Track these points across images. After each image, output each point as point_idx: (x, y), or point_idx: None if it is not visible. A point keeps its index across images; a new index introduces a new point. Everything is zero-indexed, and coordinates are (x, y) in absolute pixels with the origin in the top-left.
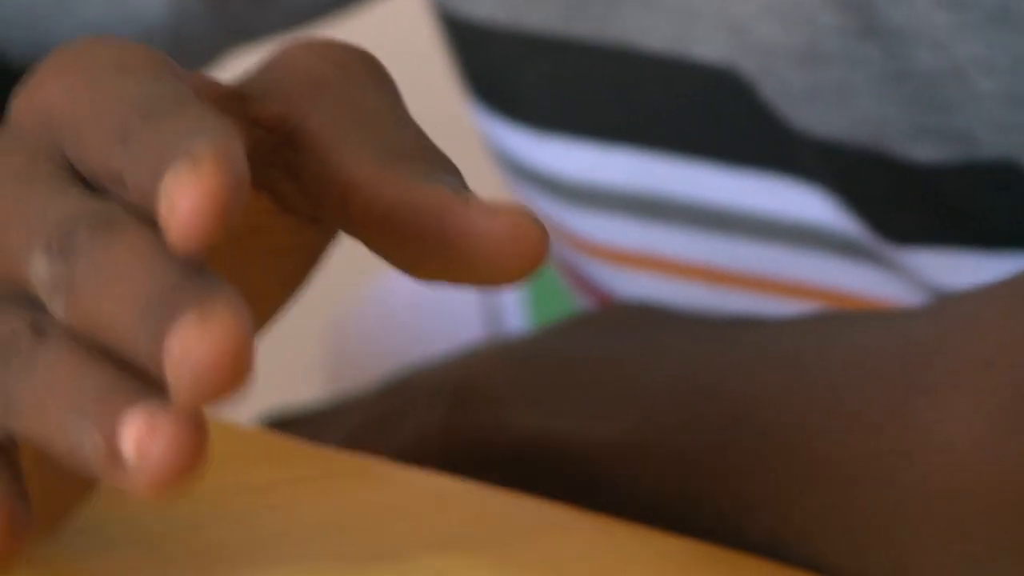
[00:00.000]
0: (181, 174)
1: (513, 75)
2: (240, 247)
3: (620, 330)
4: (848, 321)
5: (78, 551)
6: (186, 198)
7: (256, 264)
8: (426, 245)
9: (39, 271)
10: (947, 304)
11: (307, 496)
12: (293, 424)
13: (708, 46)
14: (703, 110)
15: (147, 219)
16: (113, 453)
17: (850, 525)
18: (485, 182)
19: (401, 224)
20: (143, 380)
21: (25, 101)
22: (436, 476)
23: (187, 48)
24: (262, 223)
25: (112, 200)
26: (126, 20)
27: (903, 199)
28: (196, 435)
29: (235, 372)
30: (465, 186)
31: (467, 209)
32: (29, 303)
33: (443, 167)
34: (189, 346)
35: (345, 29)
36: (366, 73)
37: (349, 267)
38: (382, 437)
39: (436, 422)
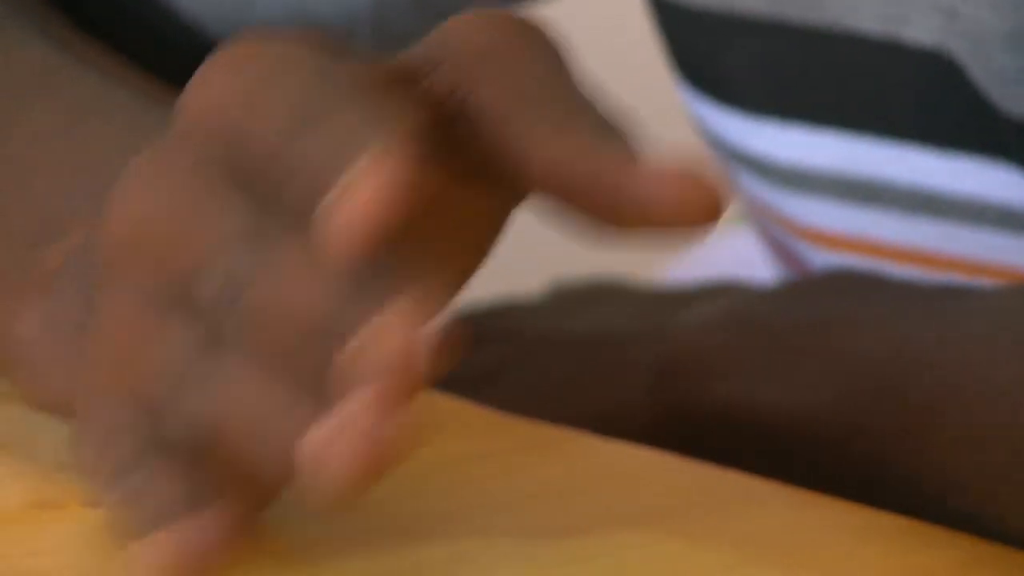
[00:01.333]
0: (355, 172)
1: (724, 58)
2: (422, 220)
3: (829, 298)
4: None
5: (273, 522)
6: (360, 197)
7: (439, 236)
8: (604, 208)
9: (210, 288)
10: None
11: (496, 470)
12: (504, 341)
13: (920, 28)
14: (914, 93)
15: (315, 225)
16: (298, 466)
17: None
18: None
19: (578, 189)
20: (318, 392)
21: (192, 100)
22: (629, 448)
23: (388, 33)
24: (440, 196)
25: (281, 208)
26: (332, 3)
27: None
28: (379, 442)
29: (425, 358)
30: (637, 147)
31: (638, 174)
32: (195, 313)
33: (613, 130)
34: (378, 341)
35: (552, 11)
36: (533, 42)
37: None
38: (585, 398)
39: (643, 392)
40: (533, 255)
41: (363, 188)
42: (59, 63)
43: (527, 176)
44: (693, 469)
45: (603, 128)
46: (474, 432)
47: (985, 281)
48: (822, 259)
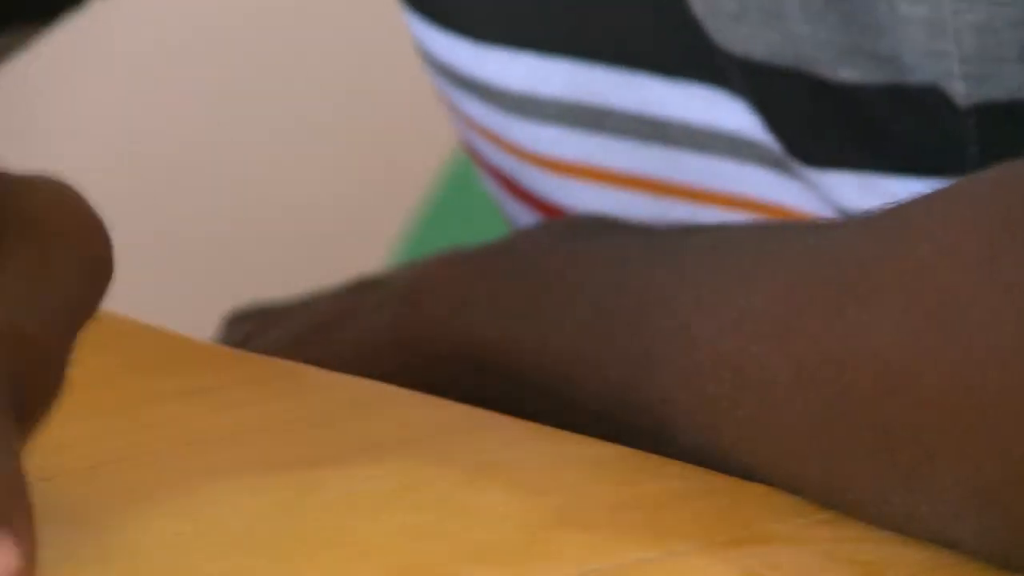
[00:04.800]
0: None
1: None
2: None
3: (572, 237)
4: (782, 232)
5: None
6: None
7: None
8: None
9: None
10: (882, 214)
11: (220, 403)
12: (248, 318)
13: None
14: (640, 21)
15: None
16: None
17: (779, 435)
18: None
19: None
20: None
21: None
22: (361, 381)
23: None
24: None
25: None
26: None
27: (823, 120)
28: None
29: None
30: None
31: None
32: None
33: None
34: None
35: None
36: None
37: None
38: (330, 337)
39: (385, 323)
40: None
41: None
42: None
43: None
44: (425, 401)
45: None
46: (197, 367)
47: (713, 209)
48: (555, 189)
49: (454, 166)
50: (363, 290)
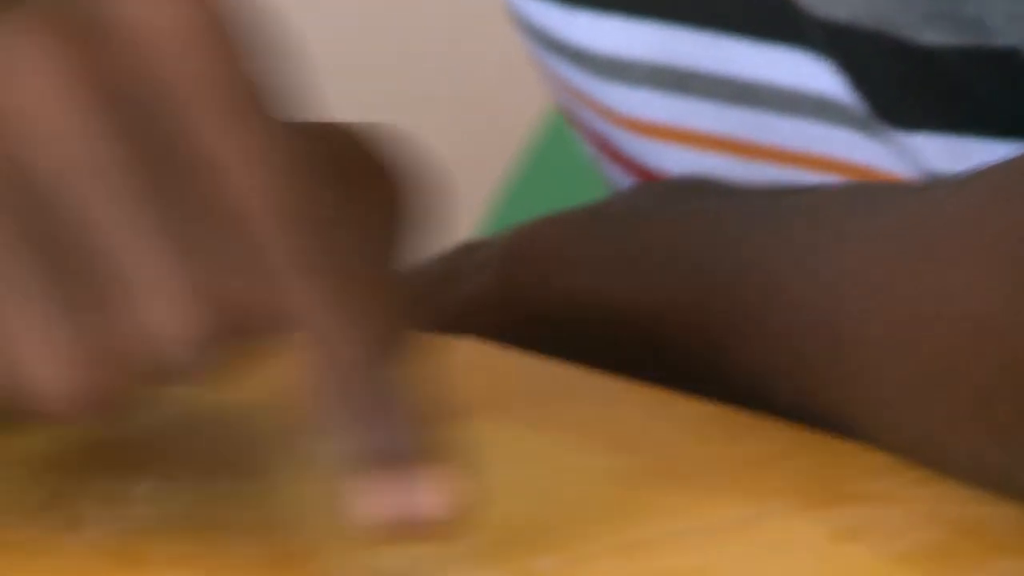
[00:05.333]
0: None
1: None
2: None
3: (673, 199)
4: (874, 194)
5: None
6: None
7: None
8: None
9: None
10: (971, 177)
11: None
12: None
13: None
14: None
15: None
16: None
17: (876, 395)
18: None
19: None
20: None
21: None
22: (455, 341)
23: None
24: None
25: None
26: None
27: (907, 82)
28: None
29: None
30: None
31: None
32: None
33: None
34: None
35: None
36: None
37: None
38: (437, 300)
39: (487, 283)
40: None
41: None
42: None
43: None
44: (520, 360)
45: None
46: None
47: (800, 171)
48: (644, 151)
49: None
50: (466, 252)
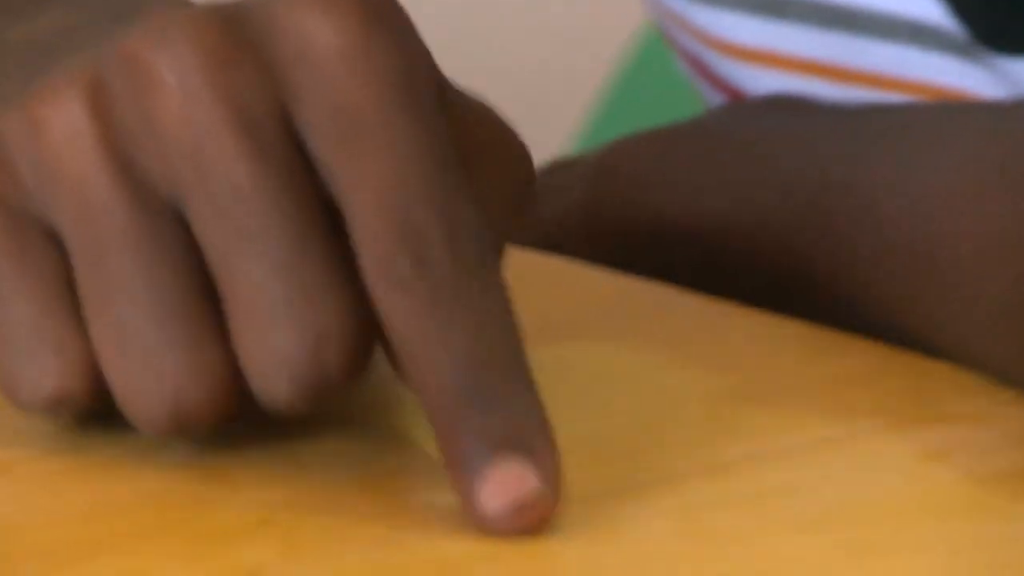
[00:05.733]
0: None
1: None
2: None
3: (764, 117)
4: (966, 112)
5: None
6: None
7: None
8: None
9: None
10: None
11: None
12: None
13: None
14: None
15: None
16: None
17: (967, 314)
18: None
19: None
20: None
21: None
22: (548, 258)
23: None
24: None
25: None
26: None
27: (1009, 5)
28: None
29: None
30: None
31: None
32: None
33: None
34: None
35: None
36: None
37: None
38: (534, 214)
39: (575, 200)
40: None
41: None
42: None
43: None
44: (614, 279)
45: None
46: None
47: (896, 95)
48: (739, 74)
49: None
50: (555, 171)
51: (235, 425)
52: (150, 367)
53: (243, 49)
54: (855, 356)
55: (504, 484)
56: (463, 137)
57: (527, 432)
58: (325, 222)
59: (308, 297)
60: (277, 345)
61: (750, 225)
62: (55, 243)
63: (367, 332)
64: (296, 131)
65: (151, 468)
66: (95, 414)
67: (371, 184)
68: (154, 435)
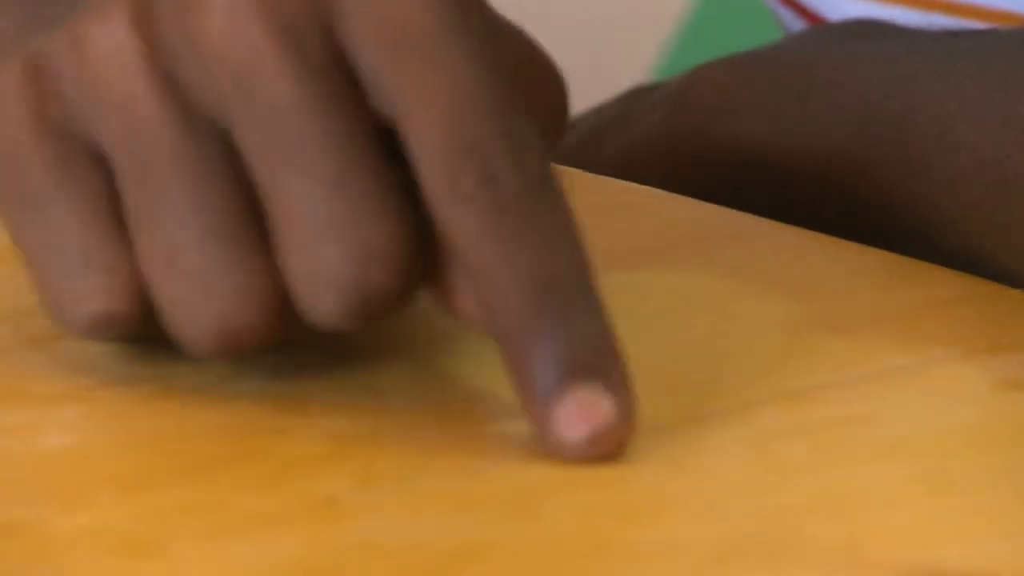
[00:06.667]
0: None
1: None
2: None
3: (841, 42)
4: None
5: None
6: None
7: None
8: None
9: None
10: None
11: None
12: None
13: None
14: None
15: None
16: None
17: None
18: None
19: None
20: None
21: None
22: (621, 184)
23: None
24: None
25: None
26: None
27: None
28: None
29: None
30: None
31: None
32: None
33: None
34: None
35: None
36: None
37: None
38: (604, 142)
39: (655, 127)
40: None
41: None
42: None
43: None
44: (690, 206)
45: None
46: None
47: (977, 23)
48: (828, 3)
49: None
50: (635, 97)
51: (309, 355)
52: (197, 288)
53: None
54: (930, 284)
55: (579, 413)
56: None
57: (600, 356)
58: (374, 141)
59: (355, 213)
60: (323, 261)
61: (826, 151)
62: (101, 163)
63: (415, 254)
64: (344, 47)
65: (226, 397)
66: (141, 337)
67: (431, 99)
68: (200, 356)
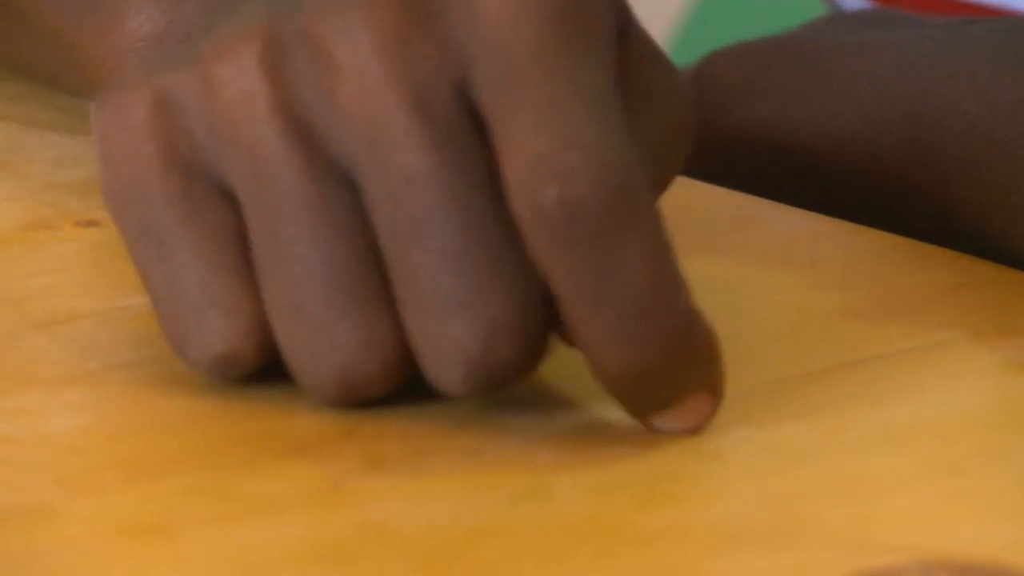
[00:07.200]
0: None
1: None
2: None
3: (855, 28)
4: None
5: None
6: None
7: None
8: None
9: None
10: None
11: None
12: None
13: None
14: None
15: None
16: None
17: None
18: None
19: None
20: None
21: None
22: None
23: None
24: None
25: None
26: None
27: None
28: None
29: None
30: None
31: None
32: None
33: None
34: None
35: None
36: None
37: None
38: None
39: None
40: None
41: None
42: None
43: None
44: (707, 190)
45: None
46: None
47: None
48: None
49: None
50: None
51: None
52: (321, 338)
53: (419, 24)
54: (939, 268)
55: (682, 415)
56: (634, 76)
57: (703, 369)
58: (501, 202)
59: (480, 287)
60: (449, 337)
61: (838, 136)
62: (230, 202)
63: (543, 321)
64: (472, 99)
65: (234, 381)
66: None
67: (520, 136)
68: (321, 402)
